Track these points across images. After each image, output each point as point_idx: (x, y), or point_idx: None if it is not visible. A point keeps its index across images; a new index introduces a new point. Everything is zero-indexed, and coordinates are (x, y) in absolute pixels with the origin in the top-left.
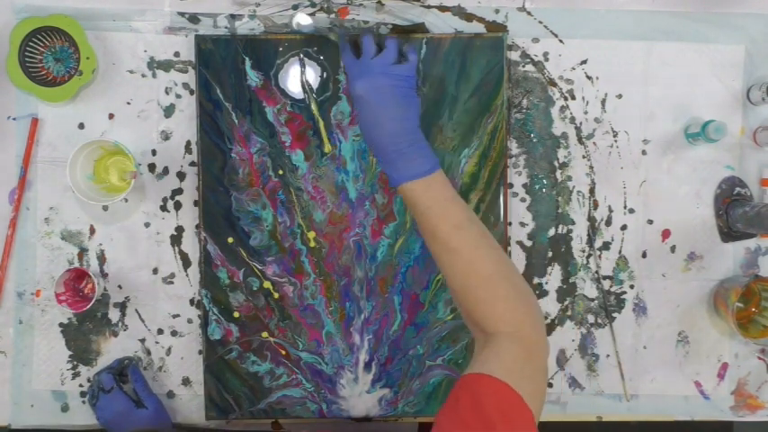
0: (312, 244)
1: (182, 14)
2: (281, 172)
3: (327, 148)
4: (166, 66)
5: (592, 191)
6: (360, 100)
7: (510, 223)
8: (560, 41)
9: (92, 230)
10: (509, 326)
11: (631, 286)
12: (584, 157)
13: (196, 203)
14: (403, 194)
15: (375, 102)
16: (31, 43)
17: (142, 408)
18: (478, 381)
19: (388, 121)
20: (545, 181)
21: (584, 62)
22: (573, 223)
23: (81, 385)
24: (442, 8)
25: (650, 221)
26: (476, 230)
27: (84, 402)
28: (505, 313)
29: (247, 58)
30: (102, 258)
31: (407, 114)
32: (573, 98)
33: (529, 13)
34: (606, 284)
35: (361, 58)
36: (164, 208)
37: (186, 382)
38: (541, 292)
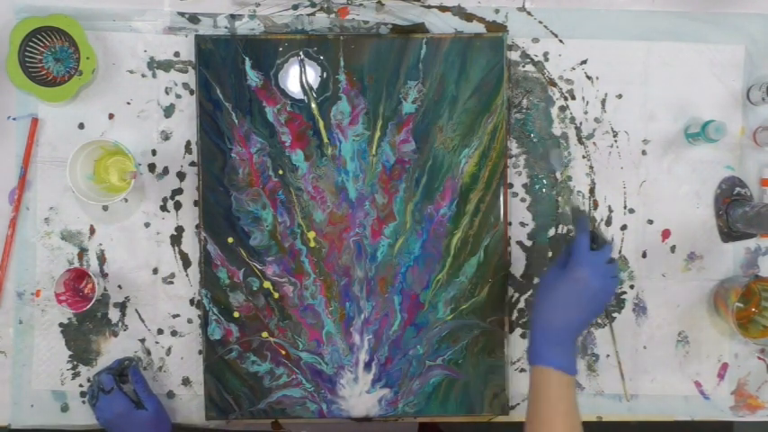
0: (312, 244)
1: (182, 14)
2: (281, 172)
3: (328, 150)
4: (166, 66)
5: (592, 191)
6: (570, 281)
7: (510, 223)
8: (560, 41)
9: (92, 230)
10: None
11: (631, 286)
12: (584, 157)
13: (196, 203)
14: (539, 375)
15: (580, 292)
16: (31, 43)
17: (142, 409)
18: None
19: (574, 313)
20: (545, 181)
21: (584, 62)
22: None
23: (81, 385)
24: (442, 8)
25: (650, 221)
26: None
27: (83, 402)
28: None
29: (247, 58)
30: (102, 258)
31: (589, 318)
32: (573, 98)
33: (529, 13)
34: None
35: (598, 255)
36: (164, 208)
37: (186, 382)
38: None
